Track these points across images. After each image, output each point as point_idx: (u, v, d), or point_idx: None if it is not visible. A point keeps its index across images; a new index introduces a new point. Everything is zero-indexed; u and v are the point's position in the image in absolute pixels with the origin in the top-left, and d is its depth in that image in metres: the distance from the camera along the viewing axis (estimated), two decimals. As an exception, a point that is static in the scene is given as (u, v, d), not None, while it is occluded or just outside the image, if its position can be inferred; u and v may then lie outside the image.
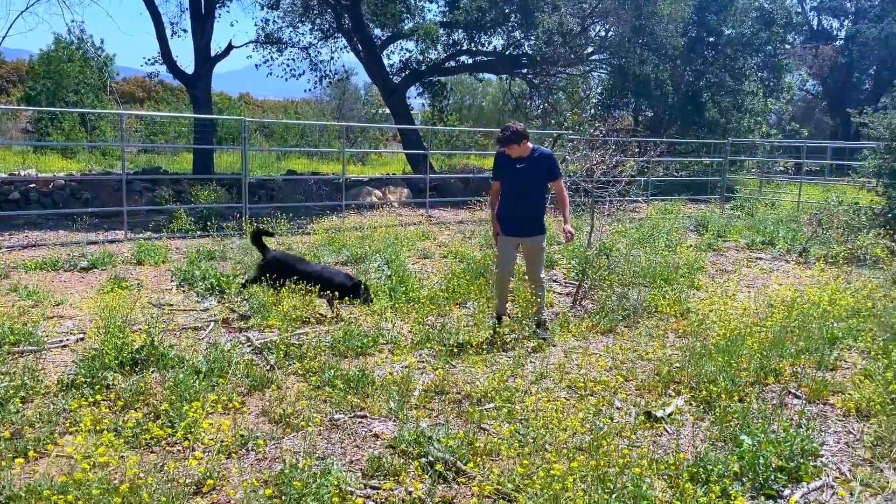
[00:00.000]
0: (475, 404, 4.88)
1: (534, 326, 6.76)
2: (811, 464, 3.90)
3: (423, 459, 3.87)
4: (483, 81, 45.56)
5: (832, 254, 9.84)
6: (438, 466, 3.75)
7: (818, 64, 32.61)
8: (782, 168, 26.91)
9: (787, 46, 29.37)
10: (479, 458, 3.96)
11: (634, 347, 6.33)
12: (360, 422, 4.59)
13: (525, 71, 23.25)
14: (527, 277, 6.97)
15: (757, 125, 26.30)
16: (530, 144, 6.53)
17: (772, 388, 5.18)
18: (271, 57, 21.33)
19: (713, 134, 23.48)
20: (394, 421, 4.56)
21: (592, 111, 25.64)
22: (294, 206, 15.13)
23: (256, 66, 21.23)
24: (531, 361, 5.98)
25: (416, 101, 26.96)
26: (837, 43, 38.55)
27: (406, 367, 5.72)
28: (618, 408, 4.92)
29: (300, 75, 21.49)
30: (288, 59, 21.69)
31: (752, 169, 25.35)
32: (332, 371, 5.33)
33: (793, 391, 5.04)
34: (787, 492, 3.65)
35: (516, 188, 6.61)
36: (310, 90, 21.59)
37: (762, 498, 3.58)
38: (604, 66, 24.07)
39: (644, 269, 8.85)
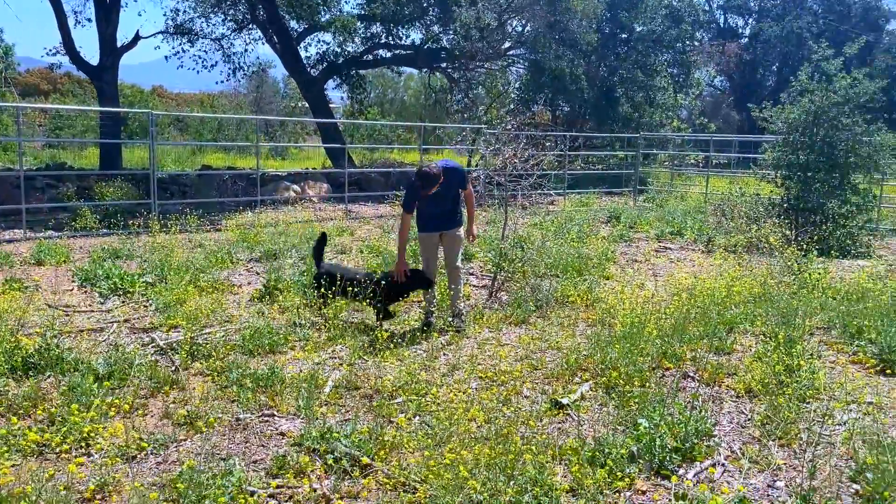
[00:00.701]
0: (385, 399, 4.88)
1: (450, 317, 6.84)
2: (705, 444, 4.08)
3: (330, 456, 3.84)
4: (404, 76, 45.58)
5: (733, 243, 10.30)
6: (343, 462, 3.73)
7: (725, 61, 33.94)
8: (692, 161, 28.02)
9: (696, 44, 30.48)
10: (385, 452, 3.95)
11: (545, 337, 6.46)
12: (268, 421, 4.52)
13: (444, 65, 23.33)
14: (445, 266, 7.03)
15: (668, 120, 27.26)
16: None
17: (672, 373, 5.39)
18: (182, 48, 20.66)
19: (627, 128, 24.18)
20: (302, 418, 4.51)
21: (511, 106, 25.99)
22: (208, 202, 14.72)
23: (166, 57, 20.53)
24: (444, 354, 6.02)
25: (335, 94, 26.64)
26: (743, 41, 40.29)
27: (318, 363, 5.68)
28: (526, 396, 5.02)
29: (212, 67, 20.89)
30: (200, 51, 21.07)
31: (665, 162, 26.28)
32: (240, 370, 5.22)
33: (691, 374, 5.26)
34: (681, 471, 3.81)
35: (434, 207, 6.74)
36: (222, 82, 21.01)
37: (658, 478, 3.71)
38: (521, 62, 24.41)
39: (557, 261, 9.05)
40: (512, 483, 3.47)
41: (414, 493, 3.44)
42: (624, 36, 24.91)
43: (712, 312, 6.51)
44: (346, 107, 34.49)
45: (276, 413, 4.63)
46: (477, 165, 8.55)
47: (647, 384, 4.92)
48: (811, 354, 5.25)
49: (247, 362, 5.49)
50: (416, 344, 6.24)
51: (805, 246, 9.24)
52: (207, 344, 5.88)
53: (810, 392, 4.48)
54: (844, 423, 4.34)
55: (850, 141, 12.08)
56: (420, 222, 6.85)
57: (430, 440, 3.88)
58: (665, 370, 5.45)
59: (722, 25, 42.18)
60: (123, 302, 7.43)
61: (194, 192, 16.61)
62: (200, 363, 5.49)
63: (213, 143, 27.86)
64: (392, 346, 6.07)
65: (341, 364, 5.66)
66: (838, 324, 6.43)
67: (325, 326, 6.52)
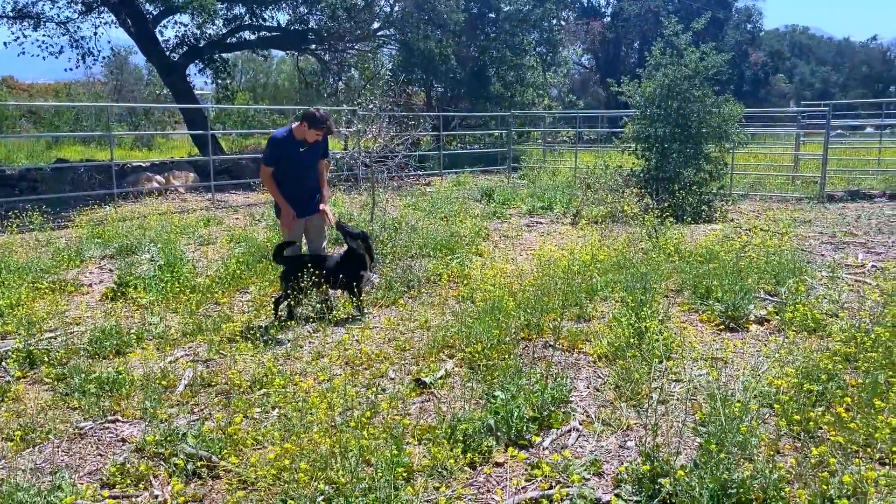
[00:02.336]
0: (244, 393, 4.67)
1: (319, 304, 6.66)
2: (562, 410, 4.15)
3: (175, 459, 3.61)
4: (276, 59, 44.20)
5: (598, 215, 10.66)
6: (189, 464, 3.52)
7: (590, 39, 35.21)
8: (564, 138, 28.88)
9: (562, 23, 31.40)
10: (236, 449, 3.76)
11: (414, 317, 6.41)
12: (111, 427, 4.21)
13: (314, 47, 22.76)
14: (310, 251, 6.81)
15: (539, 98, 27.91)
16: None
17: (535, 343, 5.47)
18: (23, 33, 19.00)
19: (499, 107, 24.54)
20: (149, 422, 4.22)
21: (385, 88, 25.74)
22: (60, 197, 13.66)
23: (5, 43, 18.83)
24: (310, 342, 5.85)
25: (201, 80, 25.44)
26: (606, 19, 41.85)
27: (172, 361, 5.37)
28: (391, 378, 4.94)
29: (59, 53, 19.36)
30: (44, 37, 19.45)
31: (538, 140, 26.94)
32: (83, 375, 4.84)
33: (551, 343, 5.36)
34: (538, 440, 3.85)
35: (298, 171, 6.42)
36: (71, 70, 19.50)
37: (516, 449, 3.74)
38: (391, 42, 24.19)
39: (428, 241, 9.02)
40: (370, 469, 3.38)
41: (265, 489, 3.28)
42: (492, 15, 25.17)
43: (575, 282, 6.67)
44: (213, 92, 33.09)
45: (119, 419, 4.31)
46: (352, 150, 8.43)
47: (510, 356, 4.96)
48: (661, 316, 5.46)
49: (91, 367, 5.09)
50: (281, 333, 6.02)
51: (661, 213, 9.68)
52: (48, 350, 5.42)
53: (658, 353, 4.65)
54: (691, 380, 4.54)
55: (702, 112, 12.75)
56: (284, 197, 6.45)
57: (282, 434, 3.72)
58: (528, 341, 5.53)
59: (586, 4, 43.59)
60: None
61: (46, 189, 15.42)
62: (42, 370, 5.05)
63: (61, 135, 25.86)
64: (254, 337, 5.83)
65: (197, 361, 5.37)
66: (689, 285, 6.75)
67: (183, 321, 6.19)
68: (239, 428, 3.98)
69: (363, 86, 24.28)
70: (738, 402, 3.38)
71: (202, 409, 4.46)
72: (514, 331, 5.42)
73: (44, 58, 19.15)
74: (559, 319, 5.58)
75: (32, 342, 5.54)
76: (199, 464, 3.54)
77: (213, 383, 4.86)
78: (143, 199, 15.37)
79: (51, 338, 5.85)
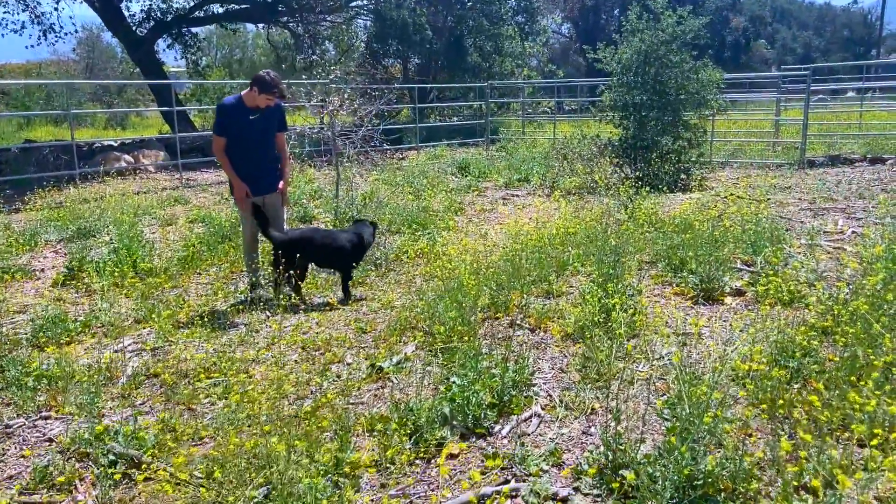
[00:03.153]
0: (190, 384, 4.41)
1: (283, 288, 6.37)
2: (524, 395, 3.92)
3: (105, 459, 3.35)
4: (253, 34, 43.31)
5: (573, 186, 10.40)
6: (119, 465, 3.26)
7: (569, 7, 34.65)
8: (545, 108, 28.46)
9: (541, -10, 30.79)
10: (174, 447, 3.50)
11: (378, 297, 6.15)
12: (40, 426, 3.93)
13: (285, 19, 22.16)
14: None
15: (518, 68, 27.43)
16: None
17: (501, 322, 5.23)
18: (-23, 9, 18.33)
19: (478, 78, 24.09)
20: (85, 418, 3.94)
21: (360, 60, 25.18)
22: (23, 178, 13.16)
23: (-40, 20, 18.17)
24: (267, 326, 5.57)
25: (169, 55, 24.76)
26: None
27: (118, 351, 5.08)
28: (348, 364, 4.69)
29: (21, 30, 18.70)
30: (5, 13, 18.77)
31: (517, 111, 26.52)
32: (20, 368, 4.54)
33: (518, 322, 5.11)
34: (497, 428, 3.62)
35: (251, 142, 5.99)
36: (33, 47, 18.87)
37: (474, 437, 3.50)
38: (365, 13, 23.63)
39: (396, 216, 8.74)
40: (312, 466, 3.14)
41: (193, 493, 3.03)
42: (467, -17, 24.65)
43: (545, 256, 6.42)
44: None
45: (53, 415, 4.04)
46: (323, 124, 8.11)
47: (472, 337, 4.72)
48: (632, 291, 5.23)
49: (30, 358, 4.80)
50: (237, 318, 5.74)
51: (637, 183, 9.43)
52: (-12, 340, 5.12)
53: (626, 330, 4.42)
54: (659, 359, 4.32)
55: (679, 78, 12.45)
56: (236, 172, 6.03)
57: (221, 428, 3.46)
58: (494, 320, 5.28)
59: (565, -29, 42.90)
60: None
61: (10, 170, 14.92)
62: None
63: (26, 114, 25.16)
64: (209, 322, 5.55)
65: (144, 350, 5.08)
66: (663, 257, 6.52)
67: (135, 307, 5.90)
68: (178, 422, 3.72)
69: (338, 59, 23.77)
70: (705, 384, 3.15)
71: (143, 403, 4.18)
72: (479, 310, 5.17)
73: (2, 35, 18.50)
74: (525, 297, 5.33)
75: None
76: (128, 464, 3.27)
77: (158, 373, 4.58)
78: (109, 179, 14.95)
79: (-8, 328, 5.54)
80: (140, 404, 4.17)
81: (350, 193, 8.71)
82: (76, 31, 19.84)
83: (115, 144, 18.28)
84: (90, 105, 32.29)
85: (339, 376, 4.43)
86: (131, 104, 34.90)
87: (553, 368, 4.35)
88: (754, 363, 3.70)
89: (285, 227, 6.54)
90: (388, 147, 9.19)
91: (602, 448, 3.11)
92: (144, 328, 5.55)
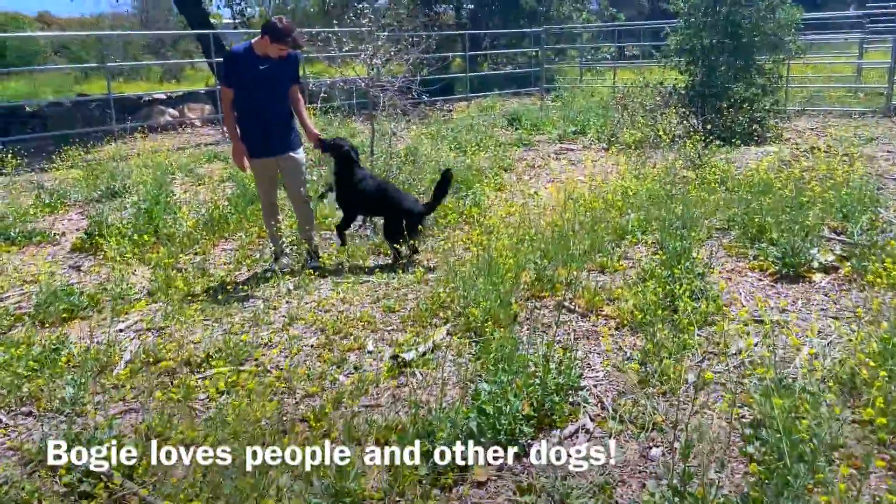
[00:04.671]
0: (192, 373, 3.91)
1: (304, 255, 5.82)
2: (570, 400, 3.26)
3: (71, 478, 2.85)
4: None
5: (634, 139, 9.49)
6: (84, 487, 2.76)
7: (632, -54, 32.58)
8: (605, 54, 26.97)
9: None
10: (160, 458, 2.99)
11: (412, 269, 5.54)
12: (22, 423, 3.48)
13: (332, -36, 21.31)
14: (290, 199, 5.91)
15: (576, 12, 25.95)
16: None
17: (547, 304, 4.55)
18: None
19: (533, 23, 22.83)
20: (66, 416, 3.48)
21: (410, 6, 24.18)
22: (66, 134, 12.87)
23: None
24: (288, 302, 5.03)
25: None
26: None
27: (122, 330, 4.62)
28: (370, 352, 4.10)
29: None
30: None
31: (574, 58, 25.17)
32: (10, 350, 4.11)
33: (566, 305, 4.42)
34: (535, 445, 2.98)
35: (260, 95, 5.33)
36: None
37: (505, 458, 2.88)
38: (415, -44, 22.52)
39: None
40: (309, 496, 2.58)
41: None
42: (523, -78, 23.17)
43: (601, 221, 5.67)
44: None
45: (35, 412, 3.58)
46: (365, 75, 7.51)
47: (516, 321, 4.07)
48: (702, 268, 4.46)
49: (28, 337, 4.37)
50: (256, 291, 5.22)
51: (706, 135, 8.49)
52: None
53: (691, 320, 3.69)
54: (738, 355, 3.59)
55: (754, 18, 11.25)
56: (245, 129, 5.42)
57: (214, 436, 2.93)
58: (538, 300, 4.60)
59: None
60: None
61: (55, 125, 14.77)
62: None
63: (52, 68, 25.20)
64: (222, 297, 5.04)
65: (151, 329, 4.60)
66: (738, 223, 5.68)
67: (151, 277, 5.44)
68: (167, 427, 3.21)
69: (388, 6, 22.81)
70: (805, 406, 2.42)
71: (135, 398, 3.69)
72: (521, 287, 4.50)
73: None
74: (575, 273, 4.62)
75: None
76: (93, 485, 2.77)
77: (159, 359, 4.08)
78: (152, 134, 14.63)
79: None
80: (132, 399, 3.68)
81: (388, 150, 8.04)
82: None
83: (163, 98, 18.01)
84: (146, 57, 32.25)
85: (357, 367, 3.85)
86: (185, 56, 34.70)
87: (606, 366, 3.65)
88: (862, 368, 2.95)
89: (304, 188, 5.88)
90: (428, 98, 8.42)
91: (665, 488, 2.45)
92: (156, 303, 5.07)
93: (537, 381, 3.18)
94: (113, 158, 9.82)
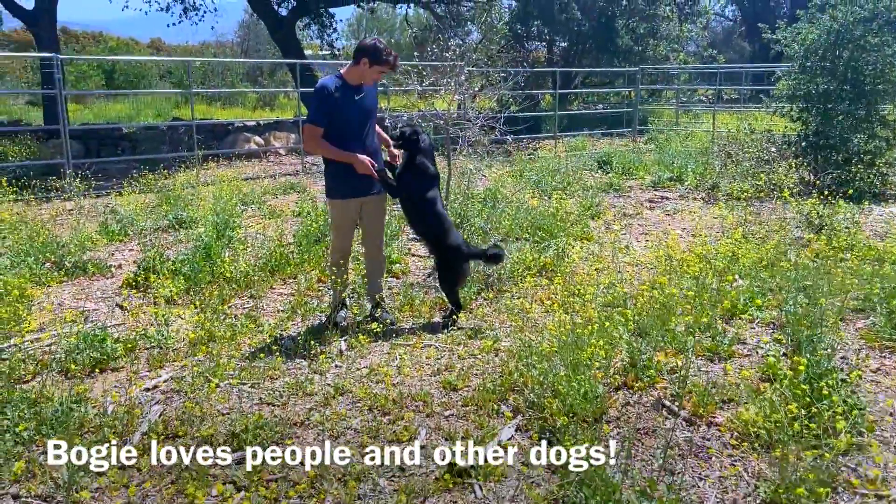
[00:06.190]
0: (210, 457, 3.30)
1: (369, 306, 5.21)
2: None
3: None
4: (401, 17, 42.98)
5: (739, 190, 8.53)
6: None
7: (736, -14, 31.40)
8: (701, 97, 25.80)
9: (703, -32, 27.97)
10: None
11: (482, 333, 4.83)
12: (1, 510, 2.94)
13: (425, 0, 21.21)
14: (365, 246, 5.25)
15: (673, 52, 24.97)
16: None
17: (641, 398, 3.72)
18: (129, -11, 18.67)
19: (628, 63, 22.01)
20: (55, 505, 2.92)
21: (502, 42, 23.80)
22: (147, 158, 12.90)
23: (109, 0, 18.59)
24: (337, 365, 4.40)
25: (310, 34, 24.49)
26: (755, -36, 37.37)
27: (149, 389, 4.09)
28: (422, 447, 3.38)
29: (166, 8, 18.88)
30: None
31: (670, 99, 24.13)
32: (22, 408, 3.63)
33: (667, 403, 3.58)
34: None
35: (355, 128, 4.75)
36: (174, 25, 18.97)
37: None
38: (510, -8, 22.19)
39: (519, 220, 7.35)
40: None
41: None
42: (622, -41, 22.50)
43: (708, 290, 4.80)
44: (345, 49, 32.19)
45: (26, 497, 3.03)
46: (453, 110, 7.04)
47: (603, 420, 3.29)
48: (841, 362, 3.56)
49: (49, 390, 3.89)
50: (302, 349, 4.61)
51: (825, 191, 7.47)
52: (13, 358, 4.29)
53: (844, 442, 2.81)
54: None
55: (879, 64, 10.12)
56: (339, 179, 4.79)
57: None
58: (631, 391, 3.79)
59: (733, -52, 39.24)
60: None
61: (144, 149, 14.98)
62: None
63: (132, 92, 25.92)
64: (265, 353, 4.46)
65: (180, 391, 4.05)
66: (879, 306, 4.70)
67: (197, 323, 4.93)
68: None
69: (479, 41, 22.48)
70: None
71: (141, 485, 3.10)
72: (615, 374, 3.71)
73: (146, 13, 18.76)
74: (681, 360, 3.79)
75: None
76: None
77: (179, 434, 3.50)
78: (235, 161, 14.60)
79: (32, 342, 4.76)
80: (136, 487, 3.09)
81: (466, 191, 7.41)
82: (215, 10, 19.77)
83: (252, 125, 18.11)
84: (244, 85, 33.12)
85: (402, 469, 3.15)
86: (280, 85, 35.52)
87: (722, 497, 2.81)
88: None
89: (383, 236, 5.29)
90: (511, 137, 7.75)
91: None
92: (195, 356, 4.53)
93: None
94: (186, 185, 9.58)
